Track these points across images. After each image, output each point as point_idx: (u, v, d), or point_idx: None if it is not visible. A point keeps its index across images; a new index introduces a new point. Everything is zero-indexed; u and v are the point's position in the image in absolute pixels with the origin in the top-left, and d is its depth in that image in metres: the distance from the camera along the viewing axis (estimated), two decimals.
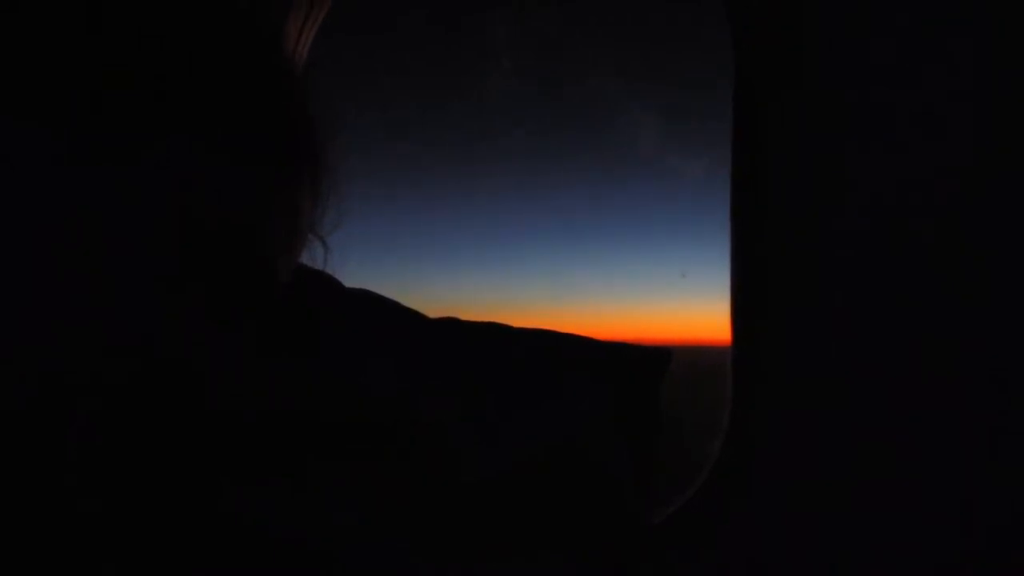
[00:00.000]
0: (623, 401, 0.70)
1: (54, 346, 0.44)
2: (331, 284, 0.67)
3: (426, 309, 0.71)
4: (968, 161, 0.92)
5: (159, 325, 0.46)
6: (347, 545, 0.57)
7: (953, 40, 0.92)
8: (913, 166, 0.92)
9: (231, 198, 0.48)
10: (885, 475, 0.93)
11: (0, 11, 0.45)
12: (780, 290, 0.95)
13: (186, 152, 0.46)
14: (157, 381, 0.46)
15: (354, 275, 0.69)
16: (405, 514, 0.60)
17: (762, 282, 0.96)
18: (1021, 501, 0.92)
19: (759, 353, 0.96)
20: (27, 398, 0.43)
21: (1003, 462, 0.92)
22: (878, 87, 0.93)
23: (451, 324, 0.71)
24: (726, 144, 1.00)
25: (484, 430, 0.64)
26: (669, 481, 0.98)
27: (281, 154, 0.52)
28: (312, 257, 0.64)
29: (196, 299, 0.47)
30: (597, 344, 0.72)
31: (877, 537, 0.93)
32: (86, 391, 0.44)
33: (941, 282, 0.92)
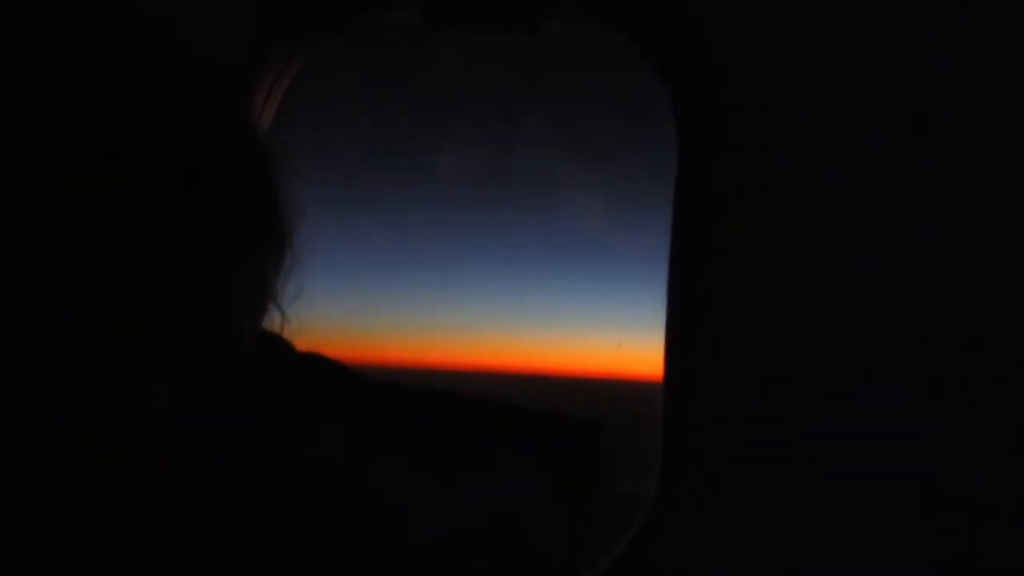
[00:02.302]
0: (558, 475, 0.73)
1: (27, 411, 0.45)
2: (285, 348, 0.69)
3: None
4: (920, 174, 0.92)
5: (130, 395, 0.47)
6: None
7: (925, 41, 0.92)
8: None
9: (200, 273, 0.50)
10: (820, 505, 0.94)
11: None
12: (714, 331, 0.96)
13: (156, 228, 0.47)
14: (126, 445, 0.48)
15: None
16: None
17: (696, 323, 0.97)
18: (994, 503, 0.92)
19: (690, 393, 0.98)
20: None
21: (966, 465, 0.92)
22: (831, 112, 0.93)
23: (396, 389, 0.74)
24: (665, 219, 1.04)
25: (424, 495, 0.67)
26: (608, 523, 0.97)
27: (248, 227, 0.54)
28: (269, 320, 0.65)
29: (167, 370, 0.49)
30: (533, 415, 0.75)
31: (821, 566, 0.94)
32: (55, 456, 0.46)
33: (908, 302, 0.92)
